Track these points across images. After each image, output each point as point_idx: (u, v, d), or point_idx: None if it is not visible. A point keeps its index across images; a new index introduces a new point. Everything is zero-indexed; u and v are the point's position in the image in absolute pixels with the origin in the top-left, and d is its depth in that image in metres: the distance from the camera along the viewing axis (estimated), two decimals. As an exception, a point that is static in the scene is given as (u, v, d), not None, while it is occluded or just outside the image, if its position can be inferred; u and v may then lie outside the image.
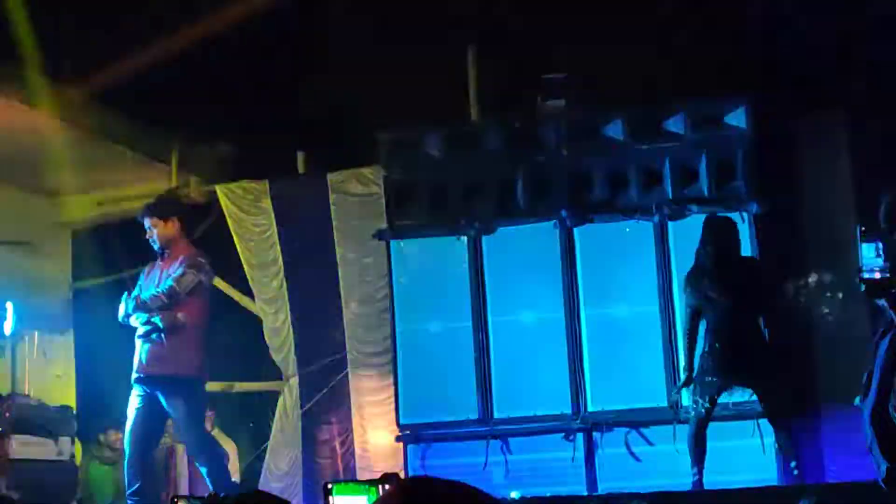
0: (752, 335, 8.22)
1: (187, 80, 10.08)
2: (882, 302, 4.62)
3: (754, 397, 8.30)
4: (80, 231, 12.30)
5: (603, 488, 9.10)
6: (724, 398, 8.28)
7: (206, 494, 9.66)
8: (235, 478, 10.78)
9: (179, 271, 8.51)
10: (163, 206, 8.84)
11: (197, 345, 8.57)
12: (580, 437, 9.46)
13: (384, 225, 10.11)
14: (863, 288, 4.24)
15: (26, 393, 10.53)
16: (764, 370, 8.20)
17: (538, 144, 9.89)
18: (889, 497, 5.10)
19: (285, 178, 11.29)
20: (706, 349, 8.23)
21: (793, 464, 8.08)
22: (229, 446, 11.04)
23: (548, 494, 8.67)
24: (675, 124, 9.73)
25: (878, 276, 4.21)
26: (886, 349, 4.95)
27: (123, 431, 10.53)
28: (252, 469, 10.98)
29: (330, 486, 5.34)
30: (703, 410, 8.13)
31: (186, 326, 8.47)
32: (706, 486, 7.97)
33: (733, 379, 8.16)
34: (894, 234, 4.26)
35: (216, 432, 10.97)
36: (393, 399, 10.02)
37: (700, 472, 8.05)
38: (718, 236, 8.37)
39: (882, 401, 5.04)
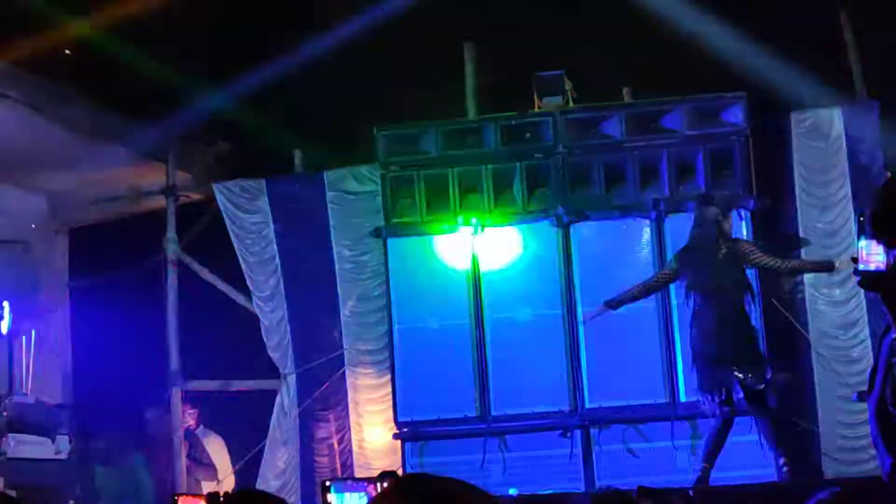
0: (735, 319, 8.20)
1: (185, 78, 10.07)
2: (877, 294, 4.61)
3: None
4: (76, 230, 12.28)
5: (600, 486, 9.09)
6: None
7: (205, 493, 9.69)
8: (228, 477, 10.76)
9: None
10: None
11: None
12: (578, 433, 9.47)
13: (381, 222, 10.11)
14: (858, 279, 4.24)
15: (24, 392, 10.51)
16: (749, 355, 8.18)
17: (535, 141, 9.89)
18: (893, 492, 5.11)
19: (282, 176, 11.27)
20: (693, 332, 8.29)
21: (781, 460, 8.05)
22: (217, 443, 11.01)
23: (546, 491, 8.68)
24: (672, 121, 9.74)
25: (873, 267, 4.20)
26: (890, 345, 4.94)
27: (125, 432, 10.57)
28: (249, 467, 10.96)
29: (328, 483, 5.35)
30: (717, 410, 8.15)
31: None
32: (704, 483, 7.97)
33: (720, 364, 8.15)
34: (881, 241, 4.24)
35: (201, 430, 10.95)
36: (391, 396, 10.02)
37: (706, 470, 8.03)
38: (706, 217, 8.41)
39: (886, 397, 5.04)
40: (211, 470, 10.81)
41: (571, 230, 9.73)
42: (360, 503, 6.45)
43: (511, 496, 8.29)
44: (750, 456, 9.00)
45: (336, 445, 10.79)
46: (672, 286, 9.20)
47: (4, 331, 10.36)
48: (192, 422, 10.88)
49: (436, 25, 10.10)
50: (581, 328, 9.56)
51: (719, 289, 8.26)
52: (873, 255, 4.25)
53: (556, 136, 9.84)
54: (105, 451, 10.48)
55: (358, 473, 10.23)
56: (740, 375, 8.13)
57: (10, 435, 9.41)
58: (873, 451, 5.37)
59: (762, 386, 8.15)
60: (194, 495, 9.14)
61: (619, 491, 5.61)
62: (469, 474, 9.05)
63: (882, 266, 4.24)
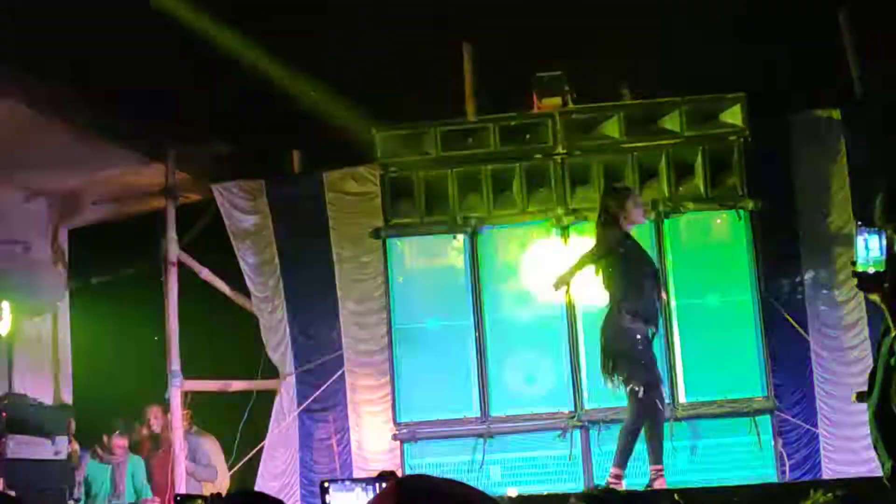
0: (607, 323, 8.15)
1: (183, 78, 10.07)
2: (875, 297, 4.63)
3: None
4: (76, 230, 12.29)
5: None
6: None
7: (207, 494, 9.68)
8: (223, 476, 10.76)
9: None
10: None
11: None
12: (577, 434, 9.46)
13: (380, 223, 10.10)
14: (857, 282, 4.27)
15: (23, 392, 10.52)
16: (614, 361, 8.09)
17: (535, 142, 9.89)
18: (893, 494, 5.11)
19: (281, 177, 11.28)
20: None
21: (613, 471, 7.94)
22: (212, 444, 11.00)
23: (545, 492, 8.67)
24: (671, 122, 9.73)
25: (871, 270, 4.23)
26: (889, 347, 4.95)
27: (126, 433, 10.57)
28: (248, 468, 10.96)
29: (327, 484, 5.34)
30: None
31: None
32: (702, 483, 7.95)
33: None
34: (889, 229, 4.29)
35: (196, 430, 10.95)
36: (390, 397, 10.01)
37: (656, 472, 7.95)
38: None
39: (886, 399, 5.05)
40: (210, 471, 10.81)
41: (571, 231, 9.72)
42: (359, 504, 6.44)
43: (510, 497, 8.27)
44: (748, 456, 9.02)
45: (335, 446, 10.80)
46: (672, 288, 9.24)
47: (4, 331, 10.36)
48: (185, 423, 10.87)
49: (435, 25, 10.09)
50: (580, 329, 9.56)
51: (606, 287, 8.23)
52: (869, 256, 4.27)
53: (555, 137, 9.84)
54: (103, 452, 10.48)
55: (357, 474, 10.23)
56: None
57: (10, 435, 9.41)
58: (873, 452, 5.37)
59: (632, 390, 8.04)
60: (196, 496, 9.13)
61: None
62: (468, 475, 9.07)
63: (879, 267, 4.27)
